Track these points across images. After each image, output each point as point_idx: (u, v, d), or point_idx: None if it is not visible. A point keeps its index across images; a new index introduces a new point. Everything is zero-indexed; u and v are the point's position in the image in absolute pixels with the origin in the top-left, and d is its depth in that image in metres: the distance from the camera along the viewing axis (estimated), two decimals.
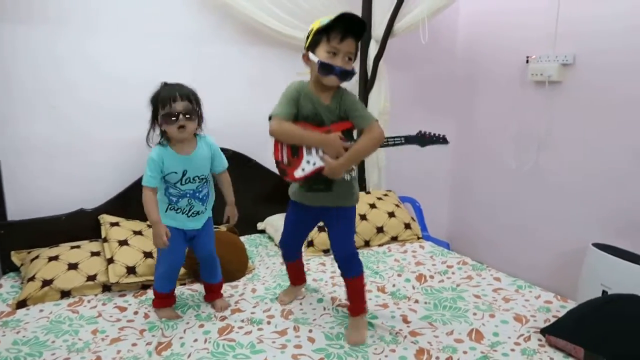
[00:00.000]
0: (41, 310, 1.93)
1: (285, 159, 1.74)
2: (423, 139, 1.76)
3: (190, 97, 1.81)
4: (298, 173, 1.71)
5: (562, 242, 2.85)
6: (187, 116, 1.78)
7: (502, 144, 3.20)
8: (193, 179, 1.86)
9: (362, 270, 1.82)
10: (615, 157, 2.55)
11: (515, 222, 3.16)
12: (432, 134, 1.74)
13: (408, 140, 1.77)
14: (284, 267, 2.34)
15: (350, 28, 1.62)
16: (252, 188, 2.76)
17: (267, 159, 2.79)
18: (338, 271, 2.28)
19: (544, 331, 1.72)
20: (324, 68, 1.63)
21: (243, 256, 2.33)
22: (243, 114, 2.76)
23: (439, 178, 3.64)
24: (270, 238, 2.74)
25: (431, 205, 3.34)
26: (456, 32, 3.46)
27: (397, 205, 2.84)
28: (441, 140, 1.75)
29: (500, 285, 2.18)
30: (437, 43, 3.16)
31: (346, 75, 1.66)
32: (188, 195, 1.87)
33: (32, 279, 2.02)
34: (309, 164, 1.70)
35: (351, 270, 1.81)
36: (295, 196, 1.88)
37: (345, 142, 1.67)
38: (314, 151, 1.69)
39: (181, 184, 1.85)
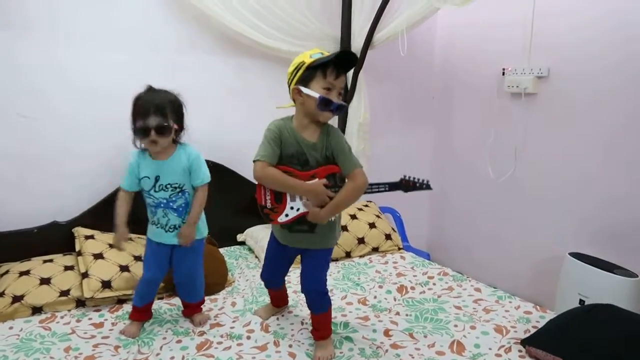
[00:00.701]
0: (11, 328, 1.86)
1: (268, 204, 1.74)
2: (407, 186, 1.76)
3: (166, 111, 1.74)
4: (281, 218, 1.72)
5: (540, 251, 2.88)
6: (159, 132, 1.73)
7: (479, 154, 3.23)
8: (165, 186, 1.80)
9: (329, 305, 1.79)
10: (588, 166, 2.60)
11: (493, 231, 3.19)
12: (415, 180, 1.75)
13: (392, 187, 1.76)
14: None
15: (348, 64, 1.65)
16: (232, 199, 2.73)
17: (246, 169, 2.77)
18: None
19: (524, 342, 1.73)
20: (323, 103, 1.61)
21: (222, 269, 2.29)
22: (223, 124, 2.73)
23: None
24: (251, 250, 2.71)
25: (411, 216, 3.35)
26: (433, 45, 3.50)
27: (378, 216, 2.84)
28: (424, 186, 1.75)
29: (480, 295, 2.19)
30: (415, 55, 3.19)
31: (340, 109, 1.67)
32: (162, 205, 1.82)
33: (1, 294, 1.95)
34: (293, 209, 1.70)
35: (319, 308, 1.77)
36: (276, 234, 1.84)
37: (330, 190, 1.65)
38: (297, 197, 1.69)
39: (154, 191, 1.81)
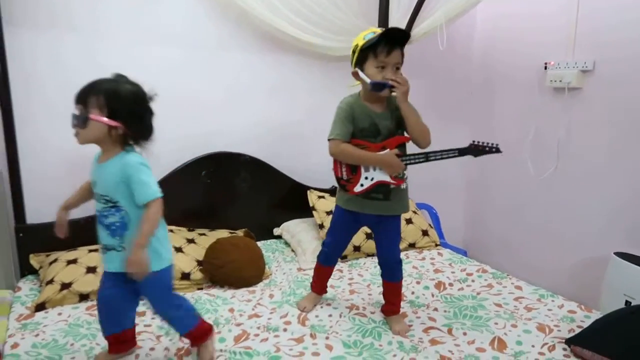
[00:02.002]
0: (60, 314, 1.93)
1: (344, 176, 1.83)
2: (477, 150, 1.76)
3: (87, 101, 1.45)
4: (357, 188, 1.81)
5: (583, 251, 2.79)
6: (75, 123, 1.48)
7: (520, 150, 3.15)
8: (99, 196, 1.51)
9: (402, 276, 1.92)
10: (634, 163, 2.50)
11: (534, 229, 3.11)
12: (484, 144, 1.75)
13: (462, 152, 1.78)
14: (301, 273, 2.34)
15: (397, 41, 1.69)
16: (269, 193, 2.76)
17: (284, 164, 2.79)
18: (355, 278, 2.30)
19: (569, 341, 1.68)
20: (376, 87, 1.71)
21: (260, 261, 2.31)
22: (260, 120, 2.76)
23: (455, 185, 3.61)
24: (287, 244, 2.72)
25: (447, 212, 3.30)
26: (473, 38, 3.44)
27: (415, 212, 2.81)
28: (494, 149, 1.75)
29: (521, 294, 2.14)
30: (453, 49, 3.14)
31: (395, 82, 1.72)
32: (98, 218, 1.53)
33: (50, 282, 2.03)
34: (367, 179, 1.80)
35: (394, 276, 1.91)
36: (348, 204, 1.88)
37: (404, 159, 1.76)
38: (371, 168, 1.78)
39: (95, 197, 1.54)
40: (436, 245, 2.75)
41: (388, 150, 1.75)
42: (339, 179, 1.86)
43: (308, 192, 2.77)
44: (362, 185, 1.80)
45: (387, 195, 1.82)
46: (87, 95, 1.46)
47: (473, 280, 2.29)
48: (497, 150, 1.76)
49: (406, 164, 1.77)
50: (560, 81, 2.80)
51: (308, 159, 2.87)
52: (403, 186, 1.83)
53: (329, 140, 1.78)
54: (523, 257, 3.17)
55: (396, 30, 1.70)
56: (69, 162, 2.35)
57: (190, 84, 2.57)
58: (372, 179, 1.79)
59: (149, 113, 1.55)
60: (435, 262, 2.52)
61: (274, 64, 2.76)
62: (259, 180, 2.72)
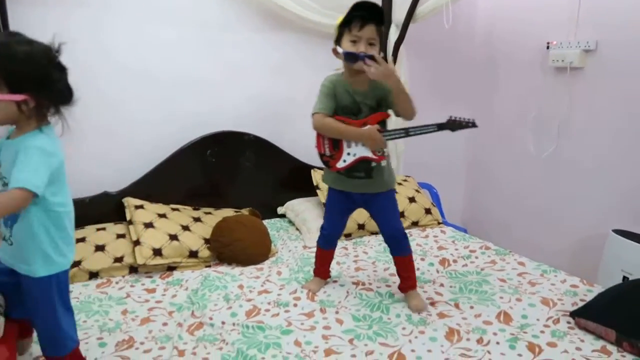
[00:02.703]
0: (70, 291, 1.93)
1: (327, 152, 1.86)
2: (454, 124, 1.79)
3: None
4: (340, 164, 1.83)
5: (582, 229, 2.84)
6: None
7: (521, 129, 3.18)
8: (1, 177, 1.29)
9: (410, 250, 1.93)
10: (635, 143, 2.53)
11: (533, 208, 3.15)
12: (462, 119, 1.77)
13: (440, 127, 1.80)
14: (307, 251, 2.37)
15: (368, 15, 1.70)
16: (272, 173, 2.77)
17: (287, 143, 2.80)
18: (360, 255, 2.33)
19: (573, 314, 1.73)
20: (348, 57, 1.72)
21: (267, 239, 2.34)
22: (264, 99, 2.76)
23: (455, 164, 3.63)
24: (291, 222, 2.74)
25: (446, 192, 3.33)
26: (475, 17, 3.43)
27: (417, 191, 2.84)
28: (470, 124, 1.78)
29: (524, 269, 2.18)
30: (456, 28, 3.13)
31: (371, 59, 1.69)
32: None
33: None
34: (349, 155, 1.82)
35: (402, 249, 1.92)
36: (335, 184, 1.92)
37: (385, 134, 1.77)
38: (353, 144, 1.80)
39: None
40: (439, 223, 2.78)
41: (369, 126, 1.77)
42: (321, 155, 1.88)
43: (312, 171, 2.79)
44: (344, 161, 1.82)
45: (369, 173, 1.84)
46: None
47: (477, 257, 2.33)
48: (473, 125, 1.79)
49: (387, 139, 1.78)
50: (563, 61, 2.81)
51: (312, 138, 2.86)
52: (383, 163, 1.84)
53: (312, 115, 1.80)
54: (522, 236, 3.22)
55: (365, 3, 1.71)
56: (76, 140, 2.34)
57: (194, 63, 2.56)
58: (354, 155, 1.81)
59: (59, 71, 1.28)
60: (439, 239, 2.55)
61: (278, 43, 2.75)
62: (263, 159, 2.73)
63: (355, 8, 1.72)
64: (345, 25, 1.74)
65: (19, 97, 1.20)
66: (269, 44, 2.74)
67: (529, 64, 3.09)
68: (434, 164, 3.41)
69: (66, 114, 1.32)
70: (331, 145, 1.84)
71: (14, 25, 2.09)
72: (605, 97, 2.66)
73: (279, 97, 2.79)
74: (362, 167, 1.82)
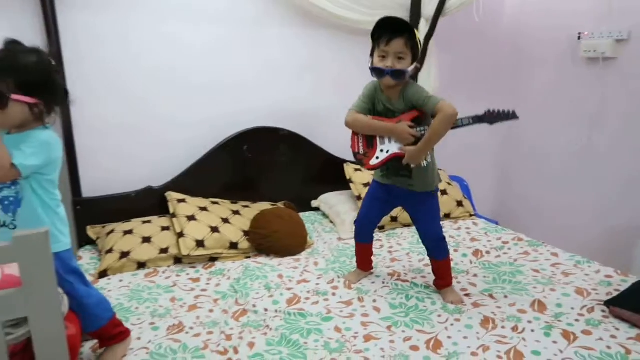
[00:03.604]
0: (121, 280, 2.07)
1: (361, 150, 1.91)
2: (492, 117, 1.80)
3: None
4: (373, 161, 1.87)
5: (615, 220, 2.82)
6: None
7: (552, 121, 3.17)
8: None
9: (448, 252, 1.96)
10: None
11: (565, 200, 3.14)
12: (500, 111, 1.78)
13: (476, 120, 1.80)
14: (342, 243, 2.44)
15: (394, 31, 1.73)
16: (307, 167, 2.85)
17: (320, 138, 2.87)
18: (395, 247, 2.38)
19: (608, 303, 1.75)
20: (375, 72, 1.79)
21: (303, 231, 2.42)
22: (297, 95, 2.83)
23: (485, 157, 3.64)
24: (325, 215, 2.82)
25: (476, 184, 3.35)
26: (504, 9, 3.42)
27: (449, 184, 2.88)
28: (511, 116, 1.78)
29: (558, 260, 2.21)
30: (484, 20, 3.14)
31: (397, 74, 1.75)
32: None
33: (110, 251, 2.16)
34: (383, 152, 1.86)
35: (439, 253, 1.95)
36: (381, 179, 1.97)
37: (415, 130, 1.77)
38: (386, 141, 1.84)
39: None
40: (470, 215, 2.81)
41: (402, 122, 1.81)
42: (355, 154, 1.92)
43: (345, 165, 2.85)
44: (377, 158, 1.85)
45: (410, 173, 1.87)
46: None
47: (509, 248, 2.36)
48: (514, 116, 1.78)
49: (420, 133, 1.76)
50: (595, 51, 2.79)
51: (344, 133, 2.92)
52: (424, 164, 1.85)
53: (348, 110, 1.89)
54: (554, 228, 3.21)
55: (388, 19, 1.73)
56: (121, 137, 2.47)
57: (229, 63, 2.64)
58: (387, 152, 1.84)
59: (57, 76, 1.42)
60: (471, 231, 2.59)
61: (311, 39, 2.81)
62: (297, 154, 2.81)
63: (380, 24, 1.75)
64: (374, 40, 1.79)
65: (33, 100, 1.34)
66: (301, 41, 2.80)
67: (560, 55, 3.08)
68: (464, 157, 3.43)
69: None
70: (365, 144, 1.89)
71: (63, 27, 2.22)
72: (638, 87, 2.64)
73: (312, 92, 2.86)
74: (402, 167, 1.84)
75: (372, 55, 1.82)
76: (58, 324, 1.20)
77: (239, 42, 2.65)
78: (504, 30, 3.44)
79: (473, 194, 3.19)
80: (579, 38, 2.92)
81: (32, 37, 2.15)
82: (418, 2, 2.94)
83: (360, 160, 1.92)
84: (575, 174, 3.06)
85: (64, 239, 1.46)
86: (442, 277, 1.95)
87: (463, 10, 2.88)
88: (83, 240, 2.41)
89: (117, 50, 2.39)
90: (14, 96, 1.31)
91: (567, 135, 3.06)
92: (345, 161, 2.88)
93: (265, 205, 2.61)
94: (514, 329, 1.67)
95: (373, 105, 1.87)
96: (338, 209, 2.70)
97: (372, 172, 1.99)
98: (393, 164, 1.86)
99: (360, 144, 1.91)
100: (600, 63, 2.80)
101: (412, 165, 1.82)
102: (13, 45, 1.38)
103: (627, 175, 2.74)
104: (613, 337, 1.60)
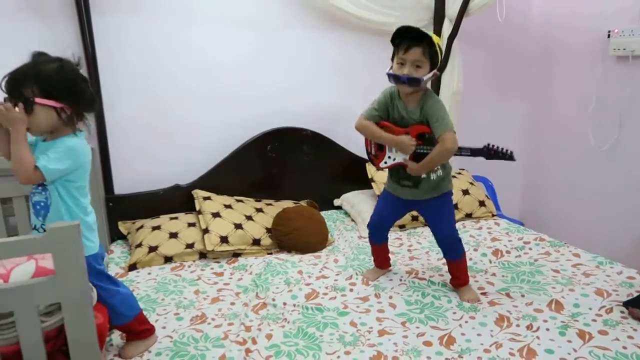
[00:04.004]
0: (149, 273, 2.17)
1: (373, 151, 2.02)
2: (489, 153, 1.83)
3: (22, 92, 1.38)
4: (382, 164, 1.99)
5: None
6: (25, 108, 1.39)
7: (580, 120, 3.12)
8: None
9: (463, 252, 1.98)
10: None
11: (593, 201, 3.09)
12: (499, 149, 1.81)
13: (474, 152, 1.85)
14: (362, 241, 2.49)
15: (412, 39, 1.76)
16: (330, 167, 2.90)
17: (343, 138, 2.92)
18: (414, 245, 2.41)
19: (627, 304, 1.74)
20: (392, 79, 1.84)
21: (324, 229, 2.47)
22: (323, 96, 2.89)
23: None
24: (347, 214, 2.87)
25: (503, 185, 3.33)
26: (531, 7, 3.38)
27: (471, 183, 2.88)
28: (507, 156, 1.81)
29: (579, 261, 2.19)
30: (511, 20, 3.12)
31: (413, 82, 1.79)
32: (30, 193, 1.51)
33: (139, 245, 2.27)
34: (390, 158, 1.96)
35: (453, 254, 1.98)
36: (388, 188, 2.04)
37: (416, 148, 1.84)
38: (394, 149, 1.92)
39: None
40: (493, 215, 2.81)
41: (408, 135, 1.86)
42: (368, 153, 2.05)
43: (367, 164, 2.89)
44: (385, 162, 1.96)
45: (417, 184, 1.91)
46: (19, 86, 1.38)
47: (530, 249, 2.35)
48: (511, 158, 1.80)
49: (418, 151, 1.84)
50: (624, 49, 2.75)
51: None
52: (433, 177, 1.90)
53: (360, 115, 1.97)
54: (580, 230, 3.17)
55: (409, 29, 1.76)
56: (150, 138, 2.58)
57: (257, 66, 2.72)
58: (394, 159, 1.94)
59: (84, 82, 1.48)
60: (492, 231, 2.59)
61: (336, 43, 2.86)
62: (320, 153, 2.86)
63: (398, 32, 1.79)
64: (394, 46, 1.83)
65: (58, 104, 1.41)
66: (327, 44, 2.85)
67: (589, 53, 3.03)
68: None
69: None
70: (376, 146, 1.99)
71: (98, 32, 2.34)
72: None
73: (336, 93, 2.91)
74: (409, 176, 1.90)
75: (392, 59, 1.86)
76: (88, 311, 1.29)
77: (265, 46, 2.72)
78: (532, 28, 3.41)
79: (501, 195, 3.17)
80: (609, 36, 2.87)
81: (69, 41, 2.28)
82: (442, 3, 2.95)
83: (372, 160, 2.03)
84: (603, 175, 3.01)
85: (90, 244, 1.51)
86: (458, 277, 1.97)
87: (488, 10, 2.87)
88: (115, 234, 2.53)
89: (147, 55, 2.49)
90: (38, 100, 1.39)
91: (596, 134, 3.01)
92: (367, 161, 2.91)
93: (288, 204, 2.67)
94: (529, 327, 1.68)
95: (387, 110, 1.92)
96: (359, 208, 2.74)
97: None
98: (400, 171, 1.94)
99: (373, 146, 2.01)
100: (630, 61, 2.75)
101: (423, 175, 1.89)
102: (38, 56, 1.46)
103: None
104: (630, 337, 1.59)
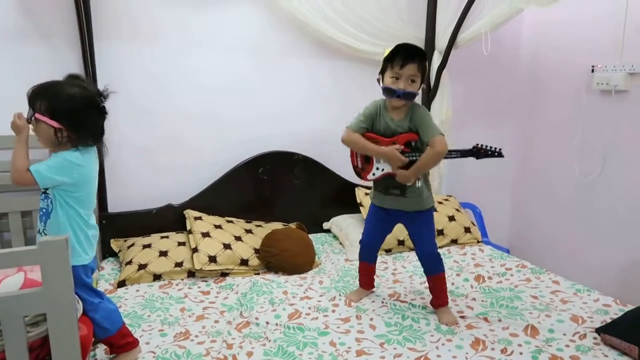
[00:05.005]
0: (137, 290, 2.22)
1: (359, 164, 2.07)
2: (478, 153, 1.91)
3: (35, 103, 1.52)
4: (370, 176, 2.04)
5: (628, 251, 2.82)
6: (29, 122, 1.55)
7: (565, 152, 3.20)
8: None
9: (443, 269, 2.04)
10: None
11: (579, 230, 3.15)
12: (487, 147, 1.89)
13: (464, 154, 1.93)
14: (348, 264, 2.53)
15: (409, 55, 1.86)
16: (320, 190, 2.97)
17: (333, 163, 3.00)
18: (399, 269, 2.46)
19: (599, 330, 1.78)
20: (386, 92, 1.91)
21: (311, 251, 2.53)
22: (314, 121, 2.99)
23: (500, 185, 3.68)
24: (335, 237, 2.92)
25: (492, 212, 3.39)
26: (519, 42, 3.51)
27: (458, 210, 2.94)
28: (496, 154, 1.89)
29: (558, 287, 2.24)
30: (499, 53, 3.24)
31: (408, 96, 1.89)
32: None
33: (129, 263, 2.32)
34: (378, 169, 2.00)
35: (433, 269, 2.04)
36: (375, 200, 2.10)
37: (404, 155, 1.91)
38: (381, 160, 1.98)
39: None
40: (478, 242, 2.86)
41: (395, 144, 1.92)
42: (355, 167, 2.10)
43: (356, 189, 2.96)
44: (373, 174, 2.01)
45: (404, 192, 1.98)
46: (35, 97, 1.51)
47: (512, 275, 2.40)
48: (499, 155, 1.88)
49: (410, 160, 1.91)
50: (607, 84, 2.84)
51: None
52: (418, 184, 1.97)
53: (345, 128, 2.02)
54: (566, 258, 3.21)
55: (407, 45, 1.89)
56: (147, 158, 2.66)
57: (253, 89, 2.83)
58: (382, 170, 1.99)
59: (97, 114, 1.58)
60: (476, 257, 2.64)
61: (329, 70, 2.98)
62: (310, 177, 2.94)
63: (397, 48, 1.89)
64: (388, 61, 1.89)
65: (54, 124, 1.49)
66: (320, 71, 2.96)
67: (574, 87, 3.13)
68: (478, 185, 3.49)
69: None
70: (362, 160, 2.06)
71: (99, 55, 2.44)
72: None
73: (328, 119, 2.99)
74: (397, 185, 1.97)
75: (381, 74, 1.94)
76: (72, 322, 1.35)
77: (260, 72, 2.82)
78: (519, 61, 3.52)
79: (489, 222, 3.23)
80: (593, 70, 2.97)
81: (71, 64, 2.39)
82: (432, 35, 3.07)
83: (359, 173, 2.09)
84: (588, 205, 3.07)
85: (83, 255, 1.59)
86: (438, 296, 2.02)
87: (477, 43, 2.98)
88: (107, 252, 2.59)
89: (145, 79, 2.59)
90: (37, 115, 1.50)
91: (581, 165, 3.09)
92: (357, 185, 2.99)
93: (278, 225, 2.73)
94: (503, 351, 1.72)
95: (372, 123, 1.99)
96: (347, 231, 2.80)
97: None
98: (388, 180, 1.99)
99: (359, 159, 2.08)
100: (613, 95, 2.85)
101: (409, 184, 1.95)
102: (69, 78, 1.58)
103: (638, 206, 2.74)
104: None
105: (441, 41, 3.04)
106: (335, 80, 3.01)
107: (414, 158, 1.92)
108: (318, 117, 3.00)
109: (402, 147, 1.92)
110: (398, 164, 1.92)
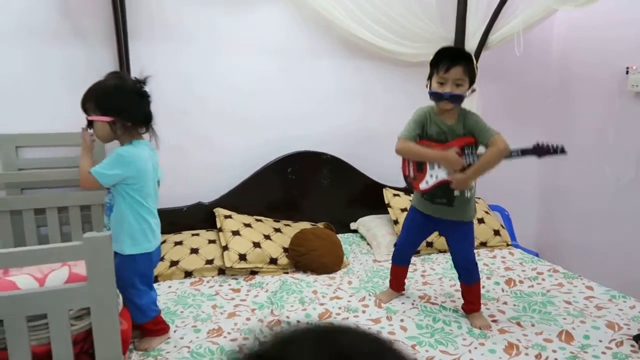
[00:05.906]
0: (169, 286, 2.26)
1: (411, 174, 2.03)
2: (540, 151, 1.87)
3: (86, 107, 1.65)
4: (422, 185, 1.98)
5: None
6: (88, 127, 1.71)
7: (598, 155, 3.15)
8: None
9: (479, 278, 2.02)
10: None
11: (609, 236, 3.09)
12: (549, 145, 1.85)
13: (525, 152, 1.89)
14: (377, 265, 2.54)
15: (453, 58, 1.84)
16: (347, 190, 2.98)
17: (361, 163, 3.00)
18: (428, 271, 2.45)
19: (636, 338, 1.75)
20: (434, 96, 1.90)
21: (339, 251, 2.53)
22: (342, 121, 2.99)
23: (529, 188, 3.63)
24: (363, 237, 2.92)
25: (520, 215, 3.35)
26: (551, 44, 3.45)
27: (487, 212, 2.91)
28: (559, 151, 1.85)
29: (592, 293, 2.20)
30: (531, 54, 3.19)
31: (456, 99, 1.87)
32: None
33: (162, 259, 2.36)
34: (432, 177, 1.96)
35: (469, 278, 2.02)
36: (418, 205, 2.07)
37: (463, 159, 1.87)
38: (436, 166, 1.94)
39: None
40: (507, 245, 2.83)
41: (452, 148, 1.89)
42: (406, 177, 2.05)
43: (384, 189, 2.96)
44: (427, 182, 1.96)
45: (451, 202, 1.95)
46: (85, 102, 1.65)
47: (544, 279, 2.37)
48: (562, 151, 1.84)
49: (468, 163, 1.87)
50: None
51: (385, 158, 3.03)
52: (467, 194, 1.95)
53: (398, 138, 1.97)
54: (596, 264, 3.15)
55: (449, 48, 1.87)
56: (179, 157, 2.70)
57: (282, 89, 2.84)
58: (436, 177, 1.94)
59: (141, 98, 1.67)
60: (507, 260, 2.62)
61: (356, 70, 2.98)
62: (338, 177, 2.95)
63: (440, 52, 1.88)
64: (433, 66, 1.89)
65: (106, 119, 1.62)
66: (348, 71, 2.97)
67: (607, 89, 3.08)
68: (506, 187, 3.44)
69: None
70: (415, 168, 2.00)
71: (133, 55, 2.48)
72: None
73: (355, 119, 3.00)
74: (445, 194, 1.94)
75: (429, 79, 1.93)
76: (114, 317, 1.38)
77: (289, 73, 2.84)
78: (551, 63, 3.47)
79: (517, 225, 3.19)
80: (627, 72, 2.92)
81: (108, 64, 2.44)
82: (462, 36, 3.04)
83: (410, 184, 2.04)
84: (621, 210, 3.01)
85: (146, 244, 1.71)
86: (471, 302, 2.00)
87: (507, 44, 2.95)
88: None
89: (177, 79, 2.62)
90: (89, 117, 1.64)
91: (614, 169, 3.03)
92: (385, 186, 2.99)
93: (306, 225, 2.75)
94: (537, 356, 1.71)
95: (423, 129, 1.95)
96: (375, 232, 2.80)
97: (410, 198, 2.10)
98: (436, 189, 1.95)
99: (411, 168, 2.02)
100: None
101: (457, 193, 1.92)
102: (108, 74, 1.69)
103: None
104: None
105: (471, 42, 3.01)
106: (362, 79, 3.00)
107: (471, 162, 1.88)
108: (345, 116, 3.00)
109: (459, 149, 1.89)
110: (457, 167, 1.88)
